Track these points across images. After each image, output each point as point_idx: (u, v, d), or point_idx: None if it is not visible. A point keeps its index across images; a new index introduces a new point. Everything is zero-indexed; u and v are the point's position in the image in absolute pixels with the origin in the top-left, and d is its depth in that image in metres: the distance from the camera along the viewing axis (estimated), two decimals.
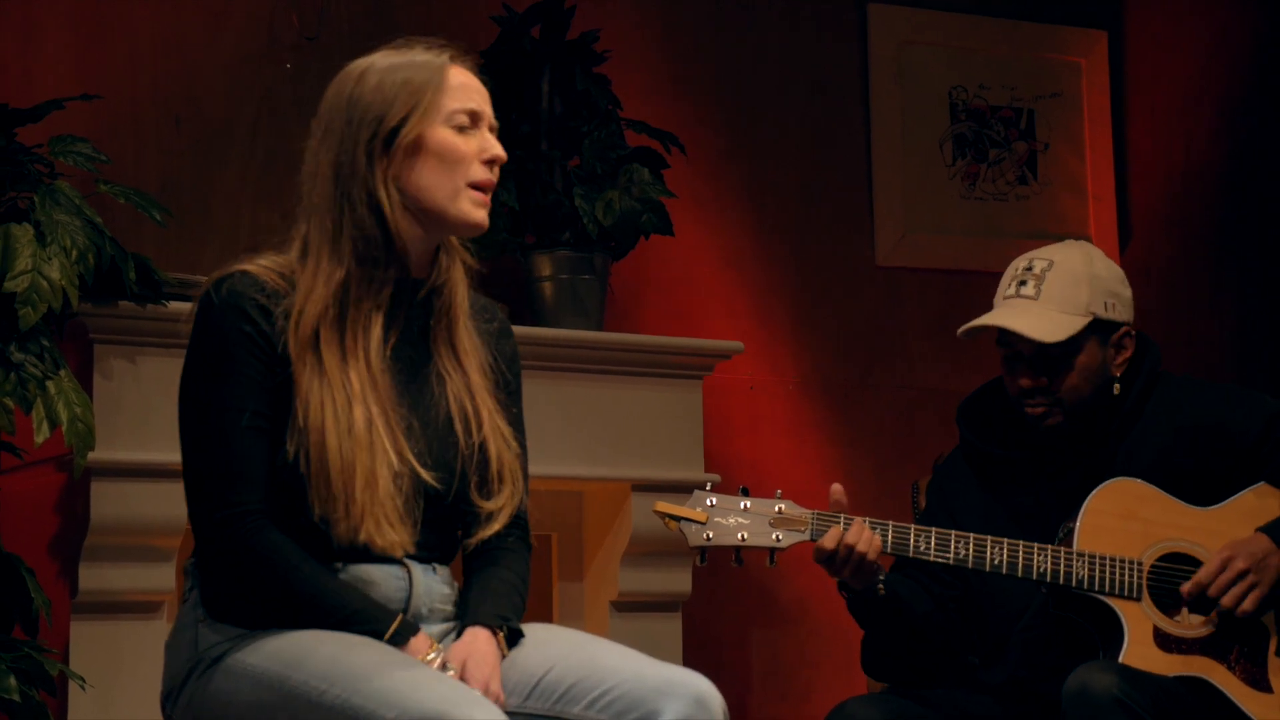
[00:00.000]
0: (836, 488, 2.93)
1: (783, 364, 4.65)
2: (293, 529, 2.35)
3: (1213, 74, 5.21)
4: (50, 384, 3.33)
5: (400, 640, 2.32)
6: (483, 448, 2.44)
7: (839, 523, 2.90)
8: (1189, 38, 5.19)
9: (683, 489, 3.04)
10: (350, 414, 2.32)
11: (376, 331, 2.38)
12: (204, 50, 4.08)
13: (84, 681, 3.41)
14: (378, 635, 2.31)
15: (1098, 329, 3.09)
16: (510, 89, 4.09)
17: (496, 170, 2.45)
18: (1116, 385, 3.11)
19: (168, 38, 4.04)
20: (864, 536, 2.89)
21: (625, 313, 4.41)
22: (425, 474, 2.38)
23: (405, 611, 2.40)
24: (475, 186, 2.42)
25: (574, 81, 4.10)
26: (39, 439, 3.32)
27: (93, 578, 3.55)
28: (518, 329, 3.90)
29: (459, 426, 2.43)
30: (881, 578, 2.96)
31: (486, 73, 4.01)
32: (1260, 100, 5.22)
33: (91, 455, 3.39)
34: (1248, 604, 2.96)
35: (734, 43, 4.68)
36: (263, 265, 2.42)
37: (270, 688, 2.29)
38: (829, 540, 2.87)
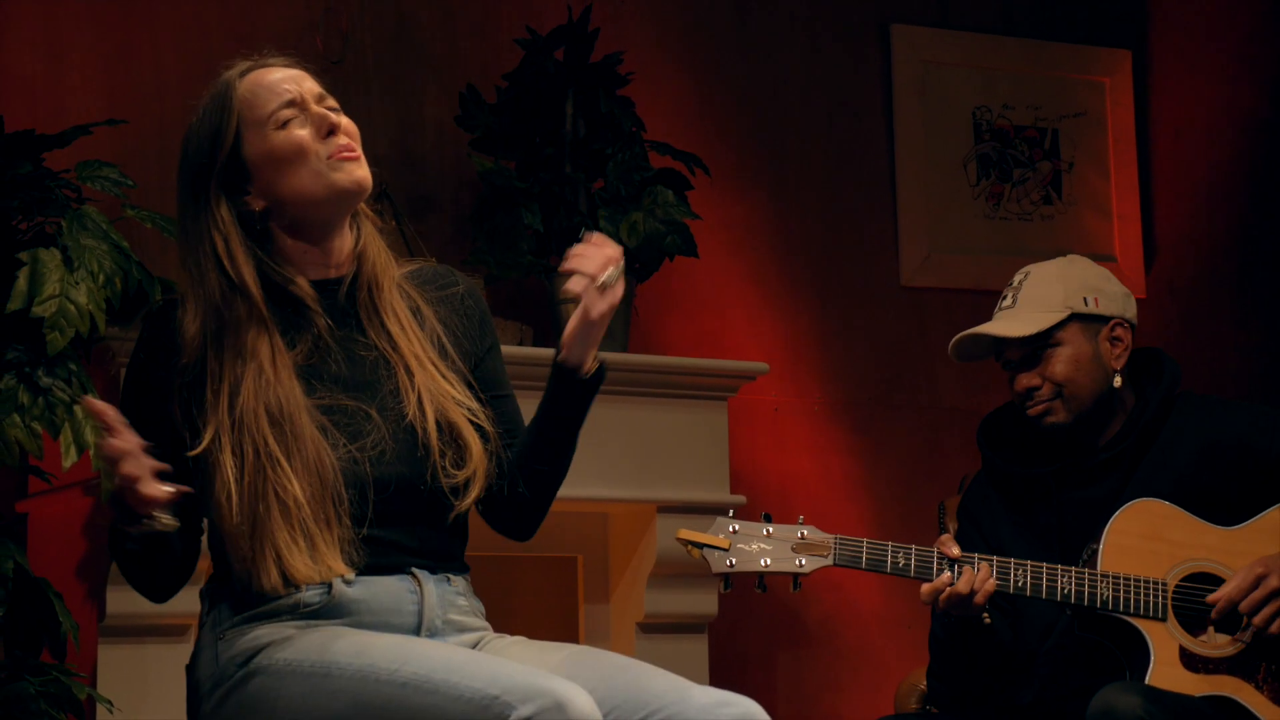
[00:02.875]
0: (946, 538, 2.97)
1: (807, 385, 4.65)
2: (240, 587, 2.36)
3: (1237, 93, 5.20)
4: (78, 408, 3.34)
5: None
6: (441, 416, 2.40)
7: (971, 564, 2.92)
8: (1213, 57, 5.19)
9: (708, 510, 3.05)
10: (220, 470, 2.32)
11: (253, 367, 2.34)
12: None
13: (111, 705, 3.43)
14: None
15: (1080, 321, 3.14)
16: (534, 111, 4.11)
17: (346, 128, 2.40)
18: (1118, 379, 3.13)
19: (194, 62, 4.07)
20: (983, 584, 2.92)
21: (650, 334, 4.42)
22: (374, 470, 2.35)
23: (419, 625, 2.37)
24: (331, 158, 2.39)
25: (598, 104, 4.11)
26: (67, 463, 3.34)
27: (120, 601, 3.56)
28: (543, 351, 3.95)
29: (411, 402, 2.39)
30: (986, 608, 2.97)
31: (510, 95, 4.09)
32: None
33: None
34: (1276, 627, 2.96)
35: (757, 64, 4.70)
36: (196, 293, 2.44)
37: (327, 675, 2.25)
38: (939, 585, 2.92)
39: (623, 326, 4.11)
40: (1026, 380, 3.13)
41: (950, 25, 4.90)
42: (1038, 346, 3.13)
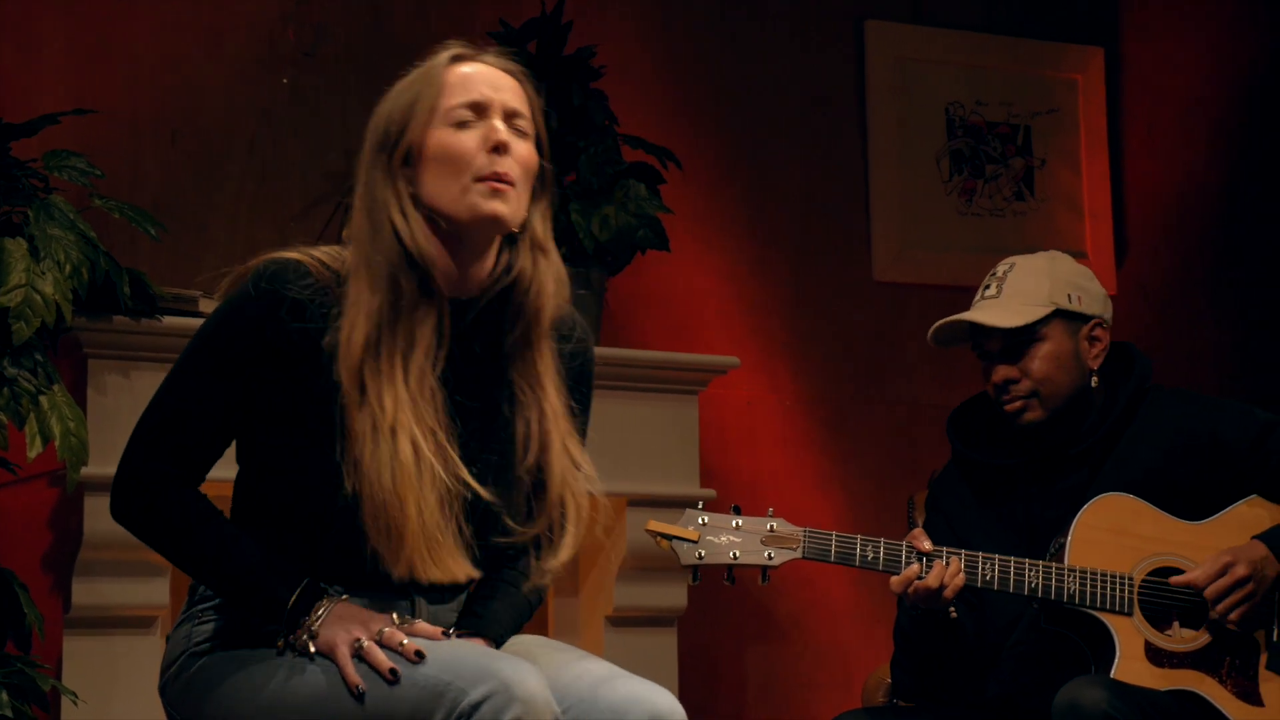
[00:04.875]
0: (918, 532, 2.96)
1: (780, 379, 4.65)
2: (349, 567, 2.29)
3: (1210, 90, 5.21)
4: (44, 399, 3.33)
5: (306, 605, 2.24)
6: (543, 472, 2.34)
7: (941, 557, 2.92)
8: (1186, 55, 5.20)
9: (678, 504, 3.04)
10: (394, 444, 2.23)
11: (419, 356, 2.27)
12: (202, 66, 4.09)
13: (76, 697, 3.41)
14: (283, 600, 2.24)
15: (1063, 318, 3.13)
16: None
17: (508, 158, 2.30)
18: (1095, 379, 3.13)
19: (166, 53, 4.05)
20: (953, 578, 2.91)
21: (622, 328, 4.42)
22: (486, 494, 2.29)
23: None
24: (482, 179, 2.29)
25: (571, 97, 4.10)
26: (32, 454, 3.33)
27: (86, 593, 3.55)
28: None
29: (520, 447, 2.34)
30: (954, 602, 2.97)
31: None
32: (1258, 117, 5.22)
33: (85, 470, 3.39)
34: (1236, 615, 2.97)
35: (732, 58, 4.69)
36: (315, 258, 2.33)
37: (222, 702, 2.28)
38: (908, 576, 2.91)
39: (594, 320, 4.10)
40: (1005, 372, 3.12)
41: (924, 22, 4.91)
42: (1020, 340, 3.11)
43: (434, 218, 2.30)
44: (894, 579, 2.92)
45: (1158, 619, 3.00)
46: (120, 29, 4.03)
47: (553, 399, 2.36)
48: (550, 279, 2.37)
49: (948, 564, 2.92)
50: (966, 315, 3.15)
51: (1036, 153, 4.98)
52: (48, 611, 3.48)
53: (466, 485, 2.27)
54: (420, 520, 2.23)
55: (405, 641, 2.20)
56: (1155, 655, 2.97)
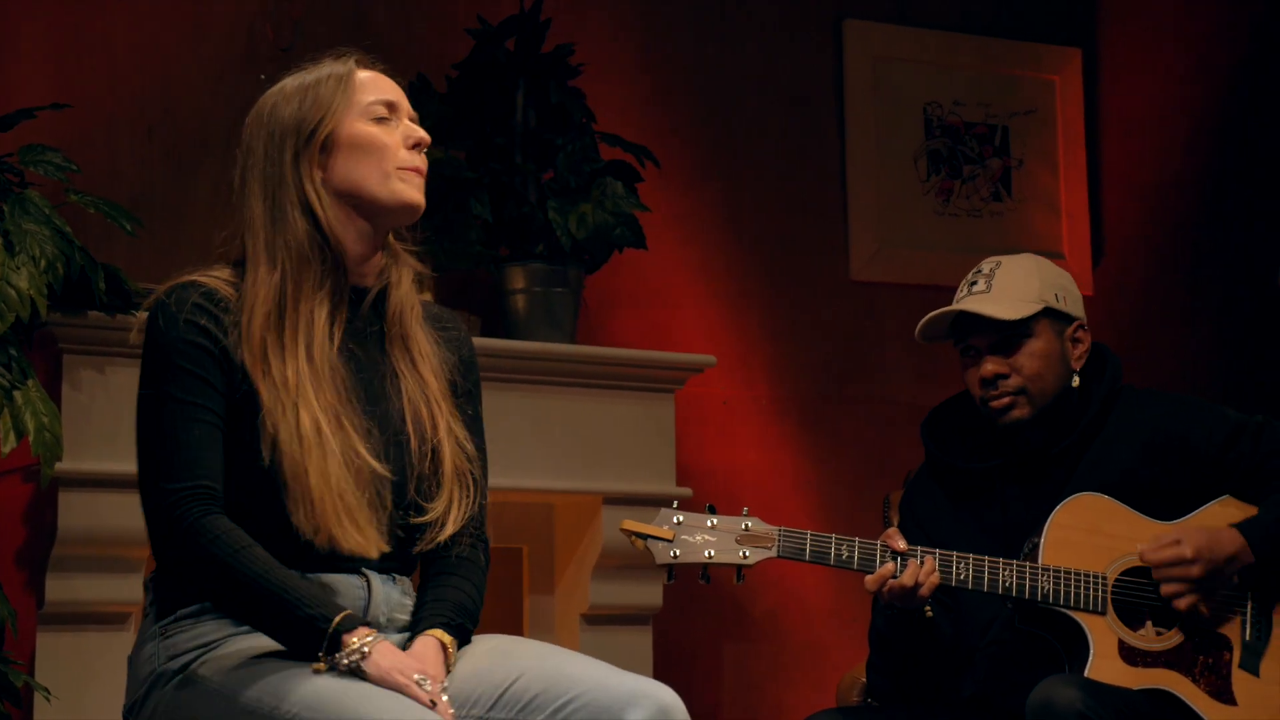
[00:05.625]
0: (892, 531, 2.97)
1: (756, 378, 4.65)
2: (260, 535, 2.35)
3: (1186, 91, 5.22)
4: (18, 394, 3.32)
5: (347, 629, 2.31)
6: (436, 451, 2.48)
7: (915, 556, 2.92)
8: (1163, 55, 5.21)
9: (654, 502, 3.05)
10: (298, 415, 2.36)
11: (319, 331, 2.42)
12: (180, 61, 4.08)
13: (49, 693, 3.40)
14: (324, 620, 2.30)
15: (1051, 317, 3.14)
16: (485, 101, 4.10)
17: (423, 156, 2.52)
18: (1076, 379, 3.14)
19: (144, 48, 4.04)
20: (928, 577, 2.91)
21: (598, 326, 4.41)
22: (382, 469, 2.41)
23: (364, 620, 2.40)
24: (404, 169, 2.49)
25: (548, 94, 4.10)
26: (6, 449, 3.32)
27: (59, 589, 3.54)
28: (491, 341, 3.95)
29: (412, 429, 2.47)
30: (929, 602, 2.98)
31: (460, 84, 4.08)
32: (1234, 117, 5.23)
33: (59, 465, 3.38)
34: (1175, 592, 2.98)
35: (710, 57, 4.69)
36: (214, 276, 2.47)
37: (225, 700, 2.30)
38: (883, 575, 2.91)
39: (571, 318, 4.10)
40: (995, 366, 3.10)
41: (903, 21, 4.91)
42: (1013, 335, 3.11)
43: (347, 203, 2.47)
44: (869, 578, 2.93)
45: (1131, 618, 3.01)
46: (98, 24, 4.02)
47: (432, 382, 2.51)
48: (414, 278, 2.56)
49: (922, 563, 2.92)
50: (962, 305, 3.14)
51: (1014, 153, 4.99)
52: (21, 607, 3.47)
53: (364, 460, 2.38)
54: (328, 487, 2.34)
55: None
56: (1129, 654, 2.98)
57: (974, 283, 3.17)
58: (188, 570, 2.36)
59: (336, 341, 2.45)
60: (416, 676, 2.28)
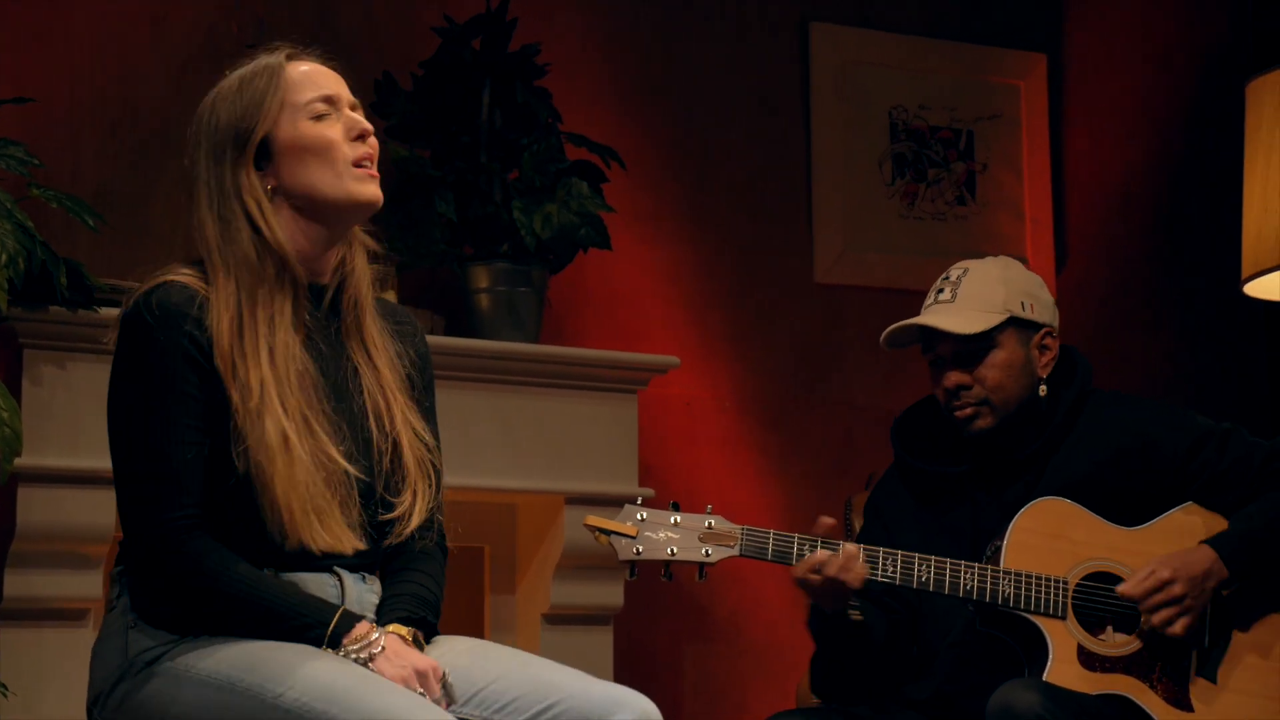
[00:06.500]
0: (825, 520, 2.95)
1: (719, 379, 4.65)
2: (231, 539, 2.36)
3: (1151, 98, 5.24)
4: None
5: (345, 628, 2.33)
6: (395, 443, 2.48)
7: (836, 549, 2.91)
8: (1128, 61, 5.23)
9: (616, 502, 3.04)
10: (263, 425, 2.34)
11: (280, 334, 2.40)
12: (143, 57, 4.06)
13: (6, 689, 3.38)
14: (323, 625, 2.32)
15: (1017, 326, 3.13)
16: (450, 100, 4.09)
17: (372, 143, 2.48)
18: (1043, 387, 3.14)
19: (106, 43, 4.02)
20: (853, 568, 2.90)
21: (562, 326, 4.41)
22: (355, 470, 2.41)
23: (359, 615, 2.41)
24: (356, 164, 2.46)
25: (514, 94, 4.10)
26: None
27: (18, 584, 3.52)
28: (455, 340, 3.94)
29: (373, 422, 2.47)
30: (854, 603, 2.97)
31: (426, 83, 4.07)
32: (1199, 124, 5.26)
33: (19, 461, 3.37)
34: (1170, 627, 2.99)
35: (677, 59, 4.69)
36: (186, 274, 2.44)
37: (220, 689, 2.29)
38: (806, 567, 2.89)
39: (535, 318, 4.10)
40: (957, 378, 3.11)
41: (869, 25, 4.92)
42: (974, 347, 3.11)
43: (301, 206, 2.45)
44: (795, 566, 2.92)
45: (1091, 623, 3.02)
46: (61, 17, 4.00)
47: (387, 373, 2.51)
48: (363, 262, 2.54)
49: (842, 552, 2.89)
50: (921, 319, 3.14)
51: (979, 157, 5.00)
52: None
53: (335, 462, 2.38)
54: (295, 495, 2.34)
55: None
56: (1088, 659, 2.99)
57: (940, 290, 3.17)
58: (177, 591, 2.37)
59: (300, 342, 2.43)
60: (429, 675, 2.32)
